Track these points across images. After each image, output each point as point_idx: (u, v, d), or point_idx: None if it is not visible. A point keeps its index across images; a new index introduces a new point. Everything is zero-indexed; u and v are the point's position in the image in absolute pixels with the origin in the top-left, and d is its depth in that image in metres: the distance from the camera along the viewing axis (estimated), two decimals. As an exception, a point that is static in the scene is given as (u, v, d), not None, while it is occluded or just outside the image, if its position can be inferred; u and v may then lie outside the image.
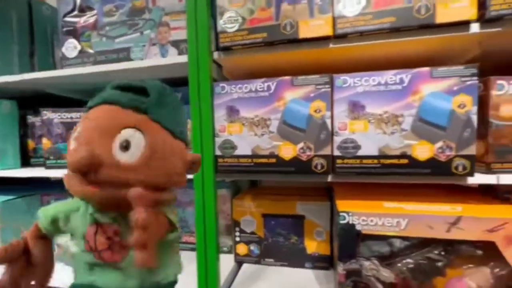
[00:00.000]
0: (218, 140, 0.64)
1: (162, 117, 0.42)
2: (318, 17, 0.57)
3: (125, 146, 0.38)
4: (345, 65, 0.69)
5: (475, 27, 0.53)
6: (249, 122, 0.62)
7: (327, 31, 0.57)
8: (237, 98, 0.63)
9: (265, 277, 0.76)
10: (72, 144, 0.39)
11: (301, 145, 0.59)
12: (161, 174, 0.40)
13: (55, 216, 0.44)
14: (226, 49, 0.64)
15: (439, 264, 0.57)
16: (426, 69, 0.54)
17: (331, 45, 0.59)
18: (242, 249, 0.86)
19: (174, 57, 0.71)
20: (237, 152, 0.63)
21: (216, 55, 0.66)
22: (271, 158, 0.61)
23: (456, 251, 0.57)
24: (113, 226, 0.42)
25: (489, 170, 0.55)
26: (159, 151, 0.40)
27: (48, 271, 0.47)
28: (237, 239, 0.86)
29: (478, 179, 0.54)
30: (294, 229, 0.80)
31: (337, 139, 0.58)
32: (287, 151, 0.60)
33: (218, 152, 0.65)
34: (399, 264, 0.59)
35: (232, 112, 0.63)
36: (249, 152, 0.63)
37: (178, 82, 0.76)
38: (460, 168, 0.53)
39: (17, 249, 0.43)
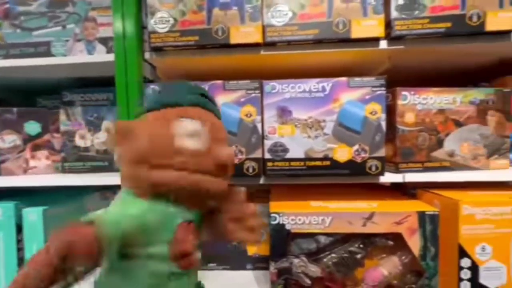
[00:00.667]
0: (267, 143, 0.60)
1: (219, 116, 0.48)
2: (249, 24, 0.59)
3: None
4: (276, 71, 0.72)
5: (383, 44, 0.60)
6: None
7: (257, 38, 0.59)
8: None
9: (205, 281, 0.75)
10: (188, 142, 0.39)
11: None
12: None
13: (128, 231, 0.35)
14: (158, 50, 0.62)
15: (359, 256, 0.62)
16: (344, 79, 0.59)
17: (262, 52, 0.61)
18: None
19: (101, 55, 0.66)
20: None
21: (148, 55, 0.64)
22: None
23: (372, 243, 0.63)
24: (192, 224, 0.41)
25: (397, 170, 0.62)
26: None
27: None
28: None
29: (388, 178, 0.62)
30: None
31: (267, 143, 0.60)
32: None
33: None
34: (324, 259, 0.63)
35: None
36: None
37: (106, 82, 0.71)
38: (373, 168, 0.60)
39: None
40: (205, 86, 0.60)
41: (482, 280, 0.56)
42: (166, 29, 0.60)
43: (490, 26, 0.56)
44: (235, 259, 0.79)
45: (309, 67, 0.70)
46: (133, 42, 0.59)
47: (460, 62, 0.71)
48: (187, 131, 0.39)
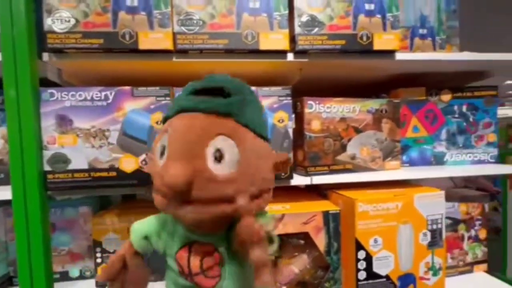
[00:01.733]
0: (47, 154, 0.56)
1: (247, 117, 0.37)
2: (158, 30, 0.58)
3: (219, 157, 0.34)
4: (188, 78, 0.72)
5: (290, 56, 0.64)
6: (85, 133, 0.57)
7: (168, 45, 0.59)
8: (69, 107, 0.56)
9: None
10: (159, 161, 0.36)
11: (143, 156, 0.58)
12: (257, 181, 0.36)
13: (147, 234, 0.42)
14: (58, 51, 0.58)
15: (273, 257, 0.66)
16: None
17: (174, 59, 0.61)
18: None
19: (-12, 54, 0.58)
20: (72, 166, 0.57)
21: (46, 56, 0.58)
22: (111, 172, 0.58)
23: (285, 243, 0.67)
24: (207, 246, 0.39)
25: (306, 173, 0.67)
26: (252, 157, 0.36)
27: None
28: (99, 260, 0.77)
29: (298, 180, 0.66)
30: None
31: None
32: (129, 164, 0.58)
33: (47, 167, 0.57)
34: (242, 263, 0.65)
35: (64, 121, 0.56)
36: (85, 166, 0.57)
37: None
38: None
39: (118, 267, 0.42)
40: (112, 91, 0.58)
41: (375, 269, 0.64)
42: (66, 30, 0.56)
43: (377, 45, 0.64)
44: (163, 267, 0.77)
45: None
46: (24, 42, 0.53)
47: (362, 75, 0.80)
48: (160, 148, 0.36)
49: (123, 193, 0.59)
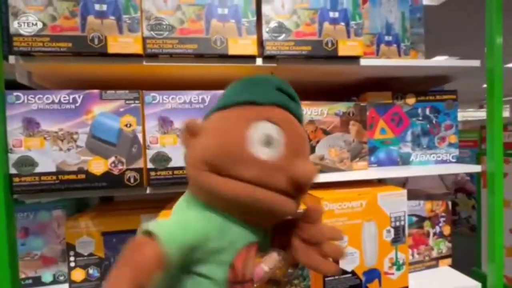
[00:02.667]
0: (13, 157, 0.56)
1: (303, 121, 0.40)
2: (128, 35, 0.59)
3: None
4: (158, 82, 0.73)
5: (259, 61, 0.66)
6: (53, 136, 0.57)
7: (137, 49, 0.60)
8: (37, 110, 0.57)
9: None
10: (259, 150, 0.33)
11: (112, 159, 0.59)
12: None
13: (193, 244, 0.31)
14: (25, 54, 0.58)
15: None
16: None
17: (144, 63, 0.62)
18: (78, 275, 0.77)
19: (-49, 56, 0.58)
20: (39, 169, 0.57)
21: (12, 59, 0.58)
22: (80, 174, 0.58)
23: (255, 243, 0.69)
24: (255, 246, 0.37)
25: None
26: None
27: None
28: (72, 264, 0.76)
29: (268, 181, 0.68)
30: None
31: (150, 152, 0.61)
32: (98, 166, 0.59)
33: (13, 170, 0.56)
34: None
35: (30, 124, 0.56)
36: (53, 169, 0.57)
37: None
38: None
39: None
40: (80, 95, 0.58)
41: (341, 265, 0.66)
42: (33, 33, 0.56)
43: (342, 51, 0.68)
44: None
45: (192, 80, 0.74)
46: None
47: (330, 80, 0.83)
48: (263, 137, 0.33)
49: (92, 195, 0.60)
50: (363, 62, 0.71)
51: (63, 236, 0.82)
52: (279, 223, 0.41)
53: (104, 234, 0.79)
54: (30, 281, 0.80)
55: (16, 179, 0.56)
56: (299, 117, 0.39)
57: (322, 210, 0.41)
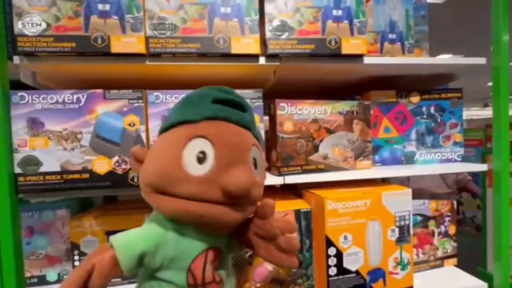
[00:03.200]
0: (18, 156, 0.57)
1: (256, 132, 0.42)
2: (131, 34, 0.59)
3: (255, 164, 0.39)
4: (161, 81, 0.73)
5: (262, 60, 0.66)
6: (57, 136, 0.57)
7: (140, 49, 0.60)
8: (41, 110, 0.57)
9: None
10: (195, 167, 0.35)
11: (116, 158, 0.59)
12: (263, 185, 0.42)
13: (144, 252, 0.35)
14: (29, 55, 0.58)
15: (248, 255, 0.67)
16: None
17: (147, 62, 0.62)
18: None
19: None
20: (43, 169, 0.57)
21: (17, 59, 0.58)
22: (84, 174, 0.58)
23: (259, 242, 0.69)
24: (217, 250, 0.38)
25: (279, 173, 0.69)
26: (264, 165, 0.42)
27: None
28: (76, 263, 0.77)
29: (271, 180, 0.68)
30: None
31: (153, 152, 0.61)
32: (101, 166, 0.59)
33: (18, 170, 0.57)
34: (217, 262, 0.66)
35: (35, 124, 0.57)
36: (57, 169, 0.58)
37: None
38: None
39: (81, 281, 0.33)
40: (84, 94, 0.58)
41: (345, 265, 0.66)
42: (37, 33, 0.56)
43: (345, 50, 0.67)
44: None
45: (195, 79, 0.73)
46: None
47: (333, 78, 0.83)
48: (195, 154, 0.35)
49: (96, 195, 0.60)
50: (367, 60, 0.70)
51: (68, 235, 0.82)
52: (240, 224, 0.42)
53: (108, 233, 0.79)
54: (35, 279, 0.81)
55: (21, 179, 0.57)
56: (243, 123, 0.39)
57: (273, 204, 0.42)
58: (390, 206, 0.69)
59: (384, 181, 0.90)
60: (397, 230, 0.70)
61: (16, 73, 0.64)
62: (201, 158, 0.35)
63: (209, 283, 0.37)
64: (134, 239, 0.36)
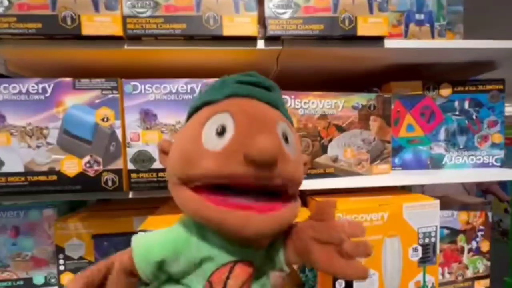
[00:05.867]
0: (-24, 155, 0.50)
1: (286, 113, 0.38)
2: (105, 13, 0.51)
3: (286, 138, 0.33)
4: (141, 69, 0.64)
5: (261, 44, 0.56)
6: (20, 132, 0.50)
7: (116, 30, 0.51)
8: (1, 101, 0.49)
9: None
10: (217, 143, 0.30)
11: (87, 158, 0.51)
12: (301, 170, 0.35)
13: (164, 258, 0.32)
14: (-9, 38, 0.51)
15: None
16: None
17: (126, 47, 0.53)
18: (68, 279, 0.71)
19: None
20: (5, 169, 0.50)
21: (-21, 44, 0.51)
22: (50, 175, 0.51)
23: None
24: (249, 266, 0.33)
25: (279, 178, 0.59)
26: (299, 148, 0.37)
27: None
28: (62, 268, 0.71)
29: (269, 186, 0.58)
30: (131, 248, 0.71)
31: (131, 151, 0.52)
32: (71, 166, 0.51)
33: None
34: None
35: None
36: (21, 169, 0.50)
37: None
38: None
39: (96, 280, 0.33)
40: (51, 84, 0.50)
41: (356, 289, 0.56)
42: (-3, 13, 0.49)
43: (362, 31, 0.55)
44: None
45: (181, 67, 0.64)
46: None
47: (347, 67, 0.71)
48: (214, 129, 0.31)
49: (64, 199, 0.53)
50: (388, 43, 0.58)
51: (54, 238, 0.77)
52: (290, 231, 0.36)
53: (95, 237, 0.73)
54: (21, 282, 0.76)
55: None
56: (269, 100, 0.36)
57: (335, 203, 0.36)
58: (412, 221, 0.57)
59: (403, 188, 0.78)
60: (420, 249, 0.58)
61: (-14, 60, 0.57)
62: (221, 132, 0.31)
63: None
64: (153, 244, 0.33)
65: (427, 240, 0.58)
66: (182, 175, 0.32)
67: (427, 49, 0.60)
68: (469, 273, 0.74)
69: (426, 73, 0.77)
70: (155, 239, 0.33)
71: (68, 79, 0.51)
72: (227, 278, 0.32)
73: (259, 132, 0.30)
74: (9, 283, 0.77)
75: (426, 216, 0.58)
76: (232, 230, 0.30)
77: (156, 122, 0.52)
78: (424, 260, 0.59)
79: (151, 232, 0.35)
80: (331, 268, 0.33)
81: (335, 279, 0.55)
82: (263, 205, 0.30)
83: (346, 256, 0.32)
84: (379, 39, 0.58)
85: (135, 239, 0.33)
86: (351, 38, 0.56)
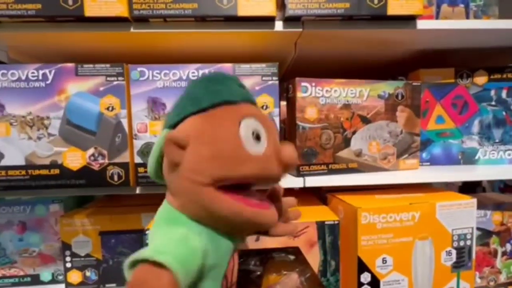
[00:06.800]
0: (-25, 146, 0.46)
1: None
2: (109, -8, 0.46)
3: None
4: (149, 56, 0.60)
5: (279, 25, 0.50)
6: (20, 122, 0.46)
7: (121, 11, 0.46)
8: (1, 88, 0.46)
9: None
10: (255, 148, 0.32)
11: (91, 151, 0.47)
12: None
13: (200, 266, 0.30)
14: (-11, 21, 0.47)
15: (255, 275, 0.54)
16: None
17: (132, 30, 0.49)
18: (75, 276, 0.69)
19: None
20: (5, 162, 0.47)
21: (-22, 28, 0.48)
22: (53, 169, 0.47)
23: (270, 259, 0.55)
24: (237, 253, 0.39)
25: (298, 173, 0.54)
26: None
27: None
28: (68, 265, 0.69)
29: (287, 183, 0.53)
30: (140, 246, 0.68)
31: (138, 143, 0.48)
32: (74, 159, 0.47)
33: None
34: (218, 280, 0.54)
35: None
36: (22, 162, 0.47)
37: None
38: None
39: None
40: (52, 70, 0.46)
41: (384, 295, 0.51)
42: (-6, -8, 0.45)
43: (393, 9, 0.49)
44: None
45: (192, 52, 0.59)
46: None
47: (372, 52, 0.65)
48: (252, 133, 0.33)
49: (68, 194, 0.50)
50: (421, 24, 0.52)
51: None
52: None
53: (102, 234, 0.70)
54: (28, 279, 0.74)
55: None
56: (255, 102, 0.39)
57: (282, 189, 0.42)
58: (446, 221, 0.52)
59: (432, 186, 0.72)
60: (454, 252, 0.53)
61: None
62: (258, 137, 0.33)
63: (233, 284, 0.37)
64: (186, 253, 0.30)
65: (462, 243, 0.53)
66: (218, 175, 0.32)
67: (465, 31, 0.54)
68: (502, 278, 0.68)
69: (459, 59, 0.71)
70: (183, 246, 0.30)
71: (70, 65, 0.47)
72: (233, 265, 0.36)
73: (278, 142, 0.35)
74: (16, 280, 0.74)
75: (462, 216, 0.52)
76: (265, 226, 0.35)
77: (165, 112, 0.48)
78: (459, 265, 0.53)
79: (160, 243, 0.30)
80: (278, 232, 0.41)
81: (359, 285, 0.50)
82: (267, 202, 0.35)
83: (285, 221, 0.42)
84: (410, 19, 0.51)
85: (168, 259, 0.27)
86: (380, 18, 0.50)
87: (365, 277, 0.50)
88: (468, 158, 0.66)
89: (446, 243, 0.52)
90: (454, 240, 0.53)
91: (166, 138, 0.33)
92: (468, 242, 0.53)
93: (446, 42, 0.60)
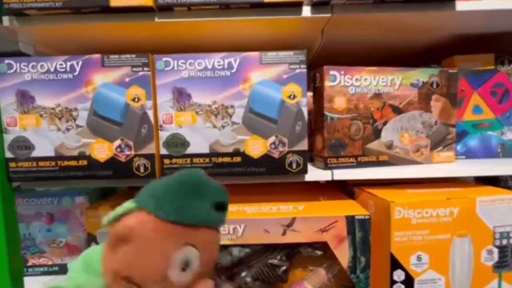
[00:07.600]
0: (8, 138, 0.47)
1: None
2: (133, -19, 0.46)
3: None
4: (173, 46, 0.59)
5: (306, 11, 0.48)
6: (49, 113, 0.47)
7: (145, 0, 0.46)
8: (30, 81, 0.47)
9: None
10: (176, 274, 0.34)
11: (118, 142, 0.47)
12: None
13: None
14: (18, 14, 0.48)
15: (281, 269, 0.52)
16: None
17: (156, 19, 0.48)
18: None
19: None
20: (36, 153, 0.48)
21: (6, 21, 0.49)
22: (81, 160, 0.48)
23: (297, 254, 0.53)
24: None
25: (325, 166, 0.52)
26: None
27: None
28: (94, 256, 0.70)
29: (314, 175, 0.51)
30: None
31: (163, 135, 0.48)
32: (101, 151, 0.47)
33: (8, 154, 0.48)
34: (242, 274, 0.53)
35: (25, 99, 0.47)
36: (51, 153, 0.48)
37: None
38: (294, 165, 0.49)
39: None
40: (79, 61, 0.47)
41: (418, 294, 0.48)
42: (22, -15, 0.45)
43: (430, -11, 0.46)
44: None
45: (216, 42, 0.58)
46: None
47: (406, 38, 0.61)
48: (182, 263, 0.34)
49: (96, 185, 0.50)
50: (460, 6, 0.48)
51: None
52: None
53: (126, 226, 0.71)
54: (56, 268, 0.76)
55: (13, 164, 0.48)
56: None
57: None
58: (487, 218, 0.48)
59: (467, 181, 0.67)
60: (496, 251, 0.49)
61: (15, 42, 0.55)
62: (185, 268, 0.34)
63: None
64: None
65: (504, 242, 0.49)
66: (135, 283, 0.33)
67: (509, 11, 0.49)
68: (545, 280, 0.63)
69: (499, 44, 0.66)
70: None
71: (97, 56, 0.47)
72: None
73: (207, 275, 0.37)
74: (46, 269, 0.77)
75: (504, 213, 0.49)
76: None
77: (190, 103, 0.47)
78: (501, 265, 0.49)
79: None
80: None
81: (392, 283, 0.47)
82: None
83: None
84: (449, 0, 0.48)
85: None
86: (414, 0, 0.47)
87: (398, 275, 0.47)
88: (508, 151, 0.61)
89: (487, 241, 0.48)
90: (496, 238, 0.49)
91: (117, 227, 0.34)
92: (511, 241, 0.49)
93: (486, 25, 0.56)
